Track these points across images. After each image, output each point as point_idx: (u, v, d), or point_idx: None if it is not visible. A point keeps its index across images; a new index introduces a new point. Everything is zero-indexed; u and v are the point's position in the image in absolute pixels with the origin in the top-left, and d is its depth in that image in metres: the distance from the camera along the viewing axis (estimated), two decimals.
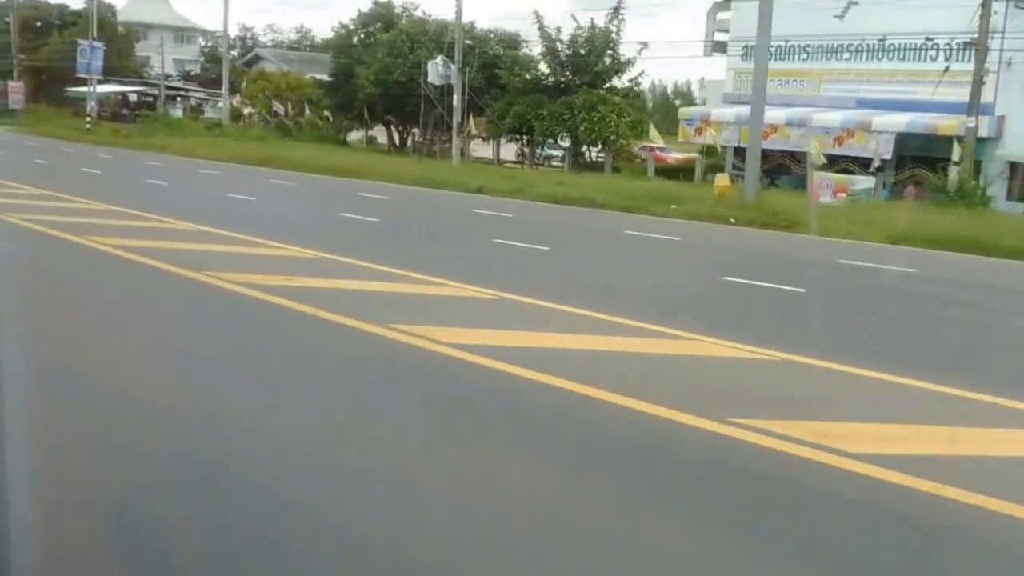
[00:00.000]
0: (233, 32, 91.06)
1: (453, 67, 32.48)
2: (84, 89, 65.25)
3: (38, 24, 75.56)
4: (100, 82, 59.25)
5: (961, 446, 5.06)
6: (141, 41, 78.65)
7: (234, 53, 74.95)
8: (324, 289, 8.47)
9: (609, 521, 3.81)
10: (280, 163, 29.11)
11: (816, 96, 30.17)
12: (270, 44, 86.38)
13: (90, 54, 45.39)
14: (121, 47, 71.92)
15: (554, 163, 38.48)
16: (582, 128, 32.19)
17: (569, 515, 3.86)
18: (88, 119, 44.31)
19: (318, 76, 46.86)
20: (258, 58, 76.71)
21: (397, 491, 4.04)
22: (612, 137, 31.84)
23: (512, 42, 37.55)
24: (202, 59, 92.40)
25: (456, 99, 32.44)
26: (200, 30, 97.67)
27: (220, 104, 59.47)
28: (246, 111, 55.54)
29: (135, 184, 21.51)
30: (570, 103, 32.74)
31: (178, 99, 59.12)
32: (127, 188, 20.36)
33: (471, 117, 36.44)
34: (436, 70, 32.90)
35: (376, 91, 37.68)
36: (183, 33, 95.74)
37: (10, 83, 63.22)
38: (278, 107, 47.54)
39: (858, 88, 29.25)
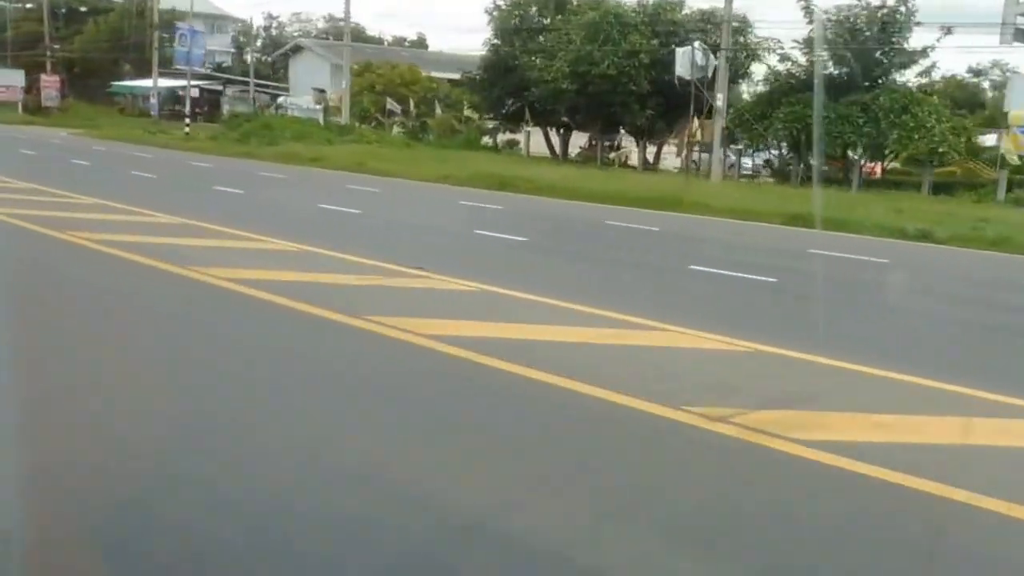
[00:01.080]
0: (258, 21, 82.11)
1: (715, 56, 24.42)
2: (132, 83, 56.74)
3: (63, 11, 66.56)
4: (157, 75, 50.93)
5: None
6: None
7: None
8: None
9: None
10: (520, 186, 21.00)
11: None
12: (299, 33, 76.27)
13: (190, 40, 36.57)
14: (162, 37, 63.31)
15: (744, 172, 30.73)
16: (894, 136, 24.24)
17: None
18: (187, 123, 35.64)
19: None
20: (299, 48, 67.98)
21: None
22: (940, 149, 23.85)
23: (742, 26, 29.45)
24: (235, 50, 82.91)
25: (721, 98, 24.34)
26: (232, 18, 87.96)
27: (281, 99, 51.05)
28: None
29: (461, 236, 13.59)
30: (865, 104, 24.80)
31: (253, 95, 50.49)
32: (456, 243, 12.46)
33: (697, 119, 28.43)
34: (688, 60, 24.74)
35: (572, 86, 29.46)
36: (214, 22, 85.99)
37: (43, 77, 54.30)
38: (393, 105, 39.24)
39: None
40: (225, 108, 49.29)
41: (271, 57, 69.63)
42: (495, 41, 34.09)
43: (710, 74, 24.97)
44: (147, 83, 53.59)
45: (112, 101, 60.19)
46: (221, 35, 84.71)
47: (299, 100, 50.98)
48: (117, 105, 58.03)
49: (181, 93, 55.15)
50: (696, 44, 24.98)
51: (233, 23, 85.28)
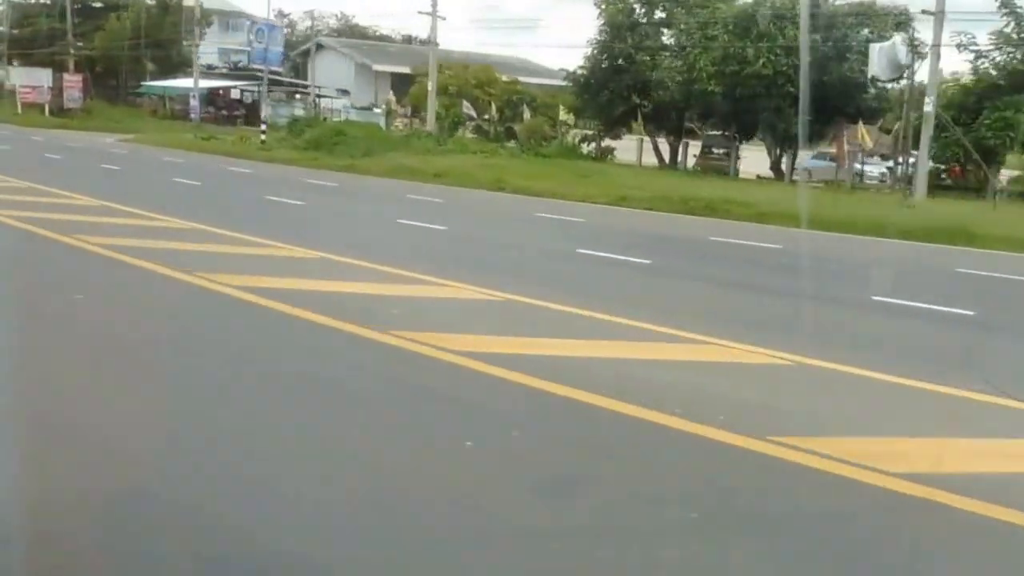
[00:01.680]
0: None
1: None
2: (164, 83, 52.40)
3: (77, 6, 62.16)
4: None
5: None
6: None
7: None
8: None
9: None
10: (734, 211, 17.33)
11: None
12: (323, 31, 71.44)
13: (267, 36, 32.66)
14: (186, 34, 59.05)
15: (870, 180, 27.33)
16: None
17: None
18: (263, 132, 31.74)
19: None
20: (320, 47, 64.07)
21: None
22: None
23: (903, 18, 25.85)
24: (250, 49, 77.85)
25: (931, 102, 20.75)
26: (245, 15, 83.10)
27: (311, 100, 47.00)
28: (400, 112, 43.33)
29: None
30: None
31: (297, 96, 46.40)
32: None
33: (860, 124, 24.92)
34: (887, 57, 21.15)
35: (716, 88, 25.82)
36: (228, 19, 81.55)
37: (66, 76, 50.05)
38: (469, 109, 35.45)
39: None
40: (266, 111, 45.32)
41: (290, 56, 65.38)
42: (601, 38, 30.42)
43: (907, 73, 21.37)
44: (180, 83, 49.55)
45: (134, 102, 56.03)
46: (235, 33, 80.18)
47: (336, 102, 47.21)
48: (139, 106, 53.88)
49: (220, 93, 51.07)
50: (897, 38, 21.34)
51: (248, 20, 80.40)
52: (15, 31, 62.13)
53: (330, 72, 59.73)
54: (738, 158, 31.62)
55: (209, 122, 44.43)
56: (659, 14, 30.21)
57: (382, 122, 37.67)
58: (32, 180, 15.72)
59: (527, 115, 34.89)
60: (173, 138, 34.09)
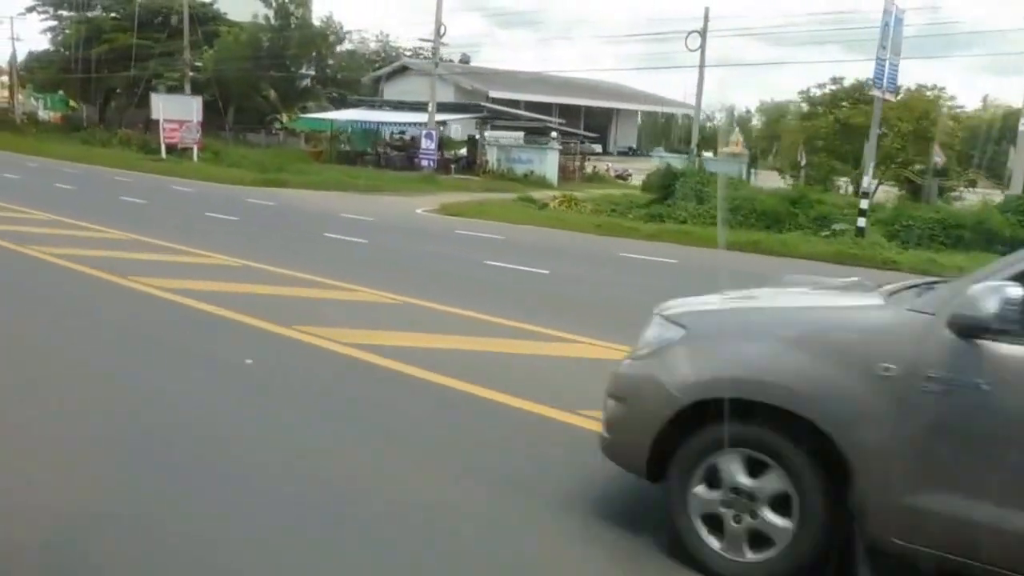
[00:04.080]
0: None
1: None
2: (329, 116, 38.84)
3: (157, 19, 48.82)
4: (333, 101, 33.71)
5: None
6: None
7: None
8: None
9: None
10: None
11: None
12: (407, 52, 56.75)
13: None
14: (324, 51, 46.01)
15: None
16: None
17: None
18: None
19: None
20: (404, 69, 51.04)
21: None
22: None
23: None
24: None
25: None
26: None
27: (551, 145, 33.80)
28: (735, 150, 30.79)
29: None
30: None
31: (554, 137, 33.41)
32: None
33: None
34: None
35: None
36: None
37: (194, 103, 36.68)
38: (939, 153, 23.10)
39: None
40: (494, 157, 32.64)
41: (365, 78, 52.11)
42: None
43: None
44: (352, 115, 36.51)
45: (248, 139, 42.98)
46: None
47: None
48: (280, 144, 40.83)
49: (403, 137, 37.69)
50: None
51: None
52: (83, 53, 48.89)
53: (408, 97, 46.02)
54: None
55: (399, 168, 31.62)
56: None
57: (743, 172, 25.13)
58: None
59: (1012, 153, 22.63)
60: (504, 211, 21.16)
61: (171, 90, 40.11)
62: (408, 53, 53.46)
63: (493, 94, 44.06)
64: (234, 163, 32.30)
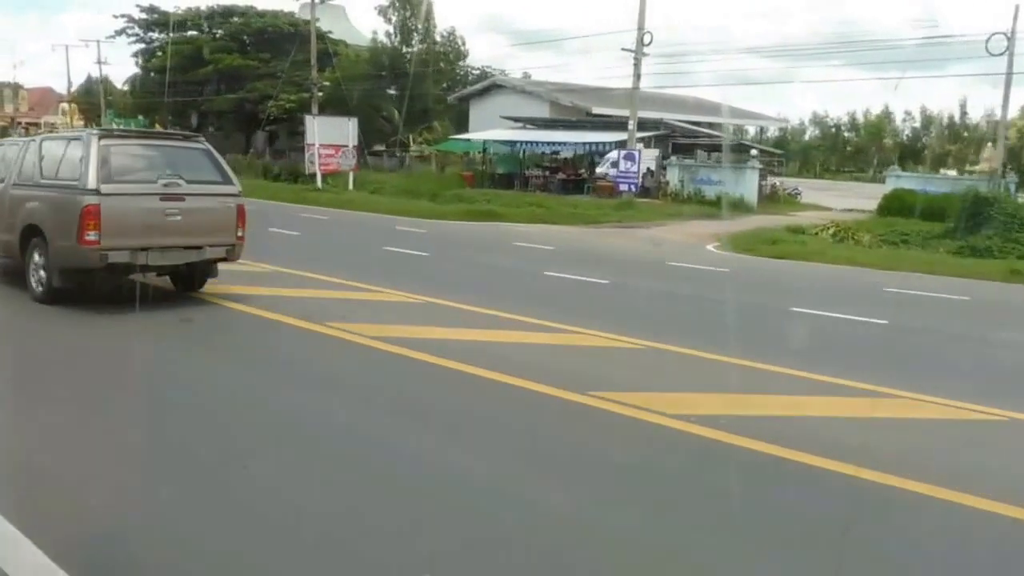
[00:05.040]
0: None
1: None
2: (480, 136, 35.62)
3: (265, 35, 46.05)
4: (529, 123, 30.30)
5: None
6: None
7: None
8: None
9: None
10: None
11: None
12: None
13: None
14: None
15: None
16: None
17: None
18: None
19: None
20: (496, 87, 47.34)
21: None
22: None
23: None
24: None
25: None
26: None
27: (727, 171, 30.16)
28: None
29: None
30: None
31: (754, 155, 29.94)
32: None
33: None
34: None
35: None
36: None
37: (350, 124, 33.55)
38: None
39: None
40: (675, 178, 29.16)
41: (451, 98, 48.75)
42: None
43: None
44: (489, 136, 33.33)
45: (369, 163, 39.92)
46: None
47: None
48: (406, 169, 37.72)
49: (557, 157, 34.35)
50: None
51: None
52: (183, 76, 46.23)
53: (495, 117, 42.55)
54: None
55: (601, 193, 28.24)
56: None
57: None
58: None
59: None
60: (800, 247, 17.63)
61: (286, 113, 37.34)
62: (493, 72, 49.82)
63: (597, 111, 40.77)
64: (376, 189, 29.25)
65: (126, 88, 57.93)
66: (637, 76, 25.23)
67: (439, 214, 22.68)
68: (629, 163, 25.62)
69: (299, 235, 16.86)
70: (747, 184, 27.91)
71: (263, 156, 42.42)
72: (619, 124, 31.89)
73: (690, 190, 28.88)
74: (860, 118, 71.39)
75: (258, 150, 45.66)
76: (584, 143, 29.96)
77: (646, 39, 24.81)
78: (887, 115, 69.26)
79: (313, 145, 28.59)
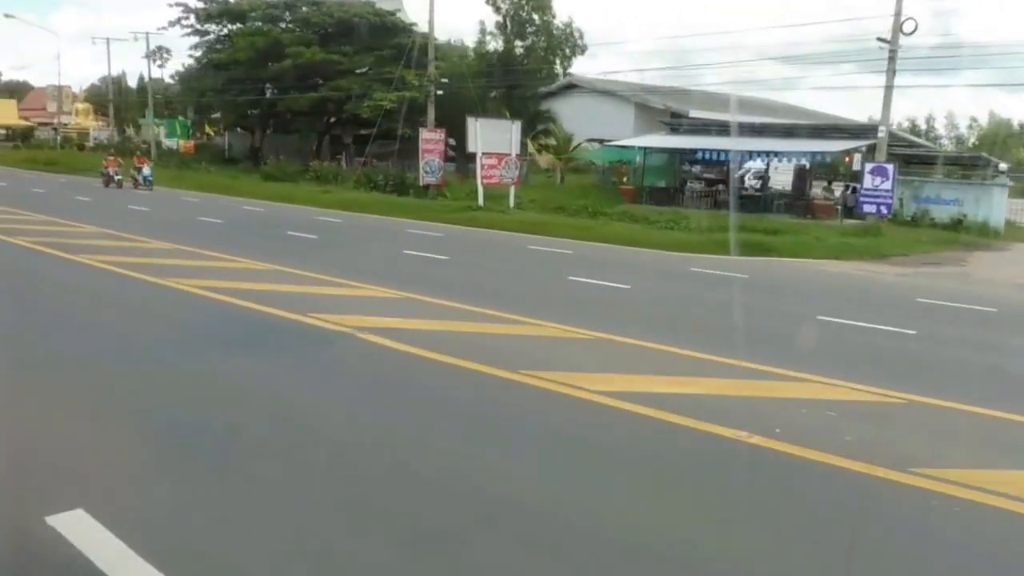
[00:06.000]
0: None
1: None
2: (626, 144, 30.46)
3: (350, 26, 40.90)
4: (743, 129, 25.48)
5: None
6: None
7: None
8: None
9: None
10: None
11: None
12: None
13: None
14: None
15: None
16: None
17: None
18: None
19: None
20: (571, 87, 42.54)
21: None
22: None
23: None
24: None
25: None
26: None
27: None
28: None
29: None
30: None
31: (1002, 171, 25.20)
32: None
33: None
34: None
35: None
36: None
37: (423, 132, 29.12)
38: None
39: None
40: (896, 199, 24.29)
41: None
42: None
43: None
44: (646, 143, 28.55)
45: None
46: None
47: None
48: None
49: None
50: None
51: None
52: (253, 72, 41.16)
53: (573, 119, 38.05)
54: None
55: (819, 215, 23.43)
56: None
57: None
58: None
59: None
60: None
61: (384, 114, 32.51)
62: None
63: (694, 114, 36.24)
64: (518, 205, 24.41)
65: (172, 82, 52.59)
66: (892, 72, 20.58)
67: (656, 242, 17.82)
68: (880, 179, 20.89)
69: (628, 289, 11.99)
70: (994, 205, 23.31)
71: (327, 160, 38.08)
72: (784, 131, 27.31)
73: (912, 211, 24.25)
74: None
75: (321, 155, 40.77)
76: (804, 152, 25.27)
77: (907, 26, 20.16)
78: None
79: (476, 154, 23.77)
